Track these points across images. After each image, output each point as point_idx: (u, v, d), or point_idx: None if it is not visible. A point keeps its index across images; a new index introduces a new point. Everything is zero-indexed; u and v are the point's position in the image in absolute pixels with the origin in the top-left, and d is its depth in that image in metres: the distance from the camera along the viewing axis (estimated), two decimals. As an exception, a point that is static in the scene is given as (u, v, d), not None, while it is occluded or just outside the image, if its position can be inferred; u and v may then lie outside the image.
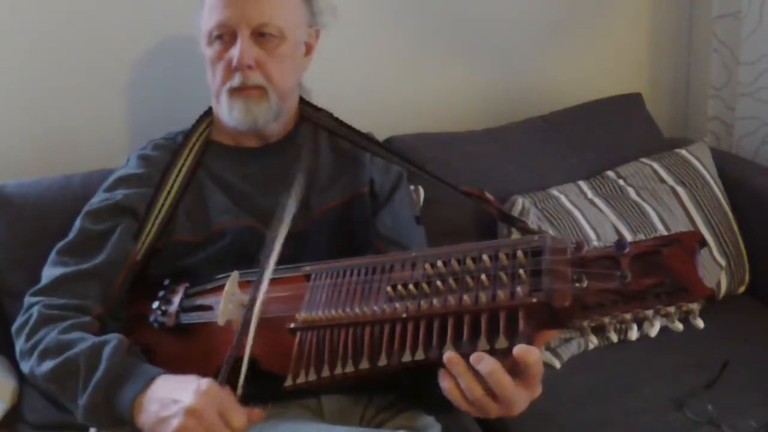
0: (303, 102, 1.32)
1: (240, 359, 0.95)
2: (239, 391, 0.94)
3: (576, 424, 1.33)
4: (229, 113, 1.21)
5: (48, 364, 1.01)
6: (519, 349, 0.80)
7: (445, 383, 0.84)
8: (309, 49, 1.28)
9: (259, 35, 1.18)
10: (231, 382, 0.94)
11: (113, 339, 1.00)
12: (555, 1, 1.92)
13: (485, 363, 0.81)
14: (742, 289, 1.72)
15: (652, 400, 1.36)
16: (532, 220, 1.55)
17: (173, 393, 0.92)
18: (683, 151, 1.78)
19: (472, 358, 0.81)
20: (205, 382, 0.91)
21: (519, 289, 0.83)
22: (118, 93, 1.57)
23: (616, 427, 1.31)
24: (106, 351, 0.98)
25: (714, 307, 1.58)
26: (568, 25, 1.96)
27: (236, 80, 1.18)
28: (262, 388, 0.98)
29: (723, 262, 1.67)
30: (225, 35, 1.18)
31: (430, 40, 1.82)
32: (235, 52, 1.17)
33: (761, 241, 1.70)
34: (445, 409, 0.91)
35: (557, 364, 1.48)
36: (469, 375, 0.82)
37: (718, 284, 1.67)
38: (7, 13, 1.46)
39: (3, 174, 1.45)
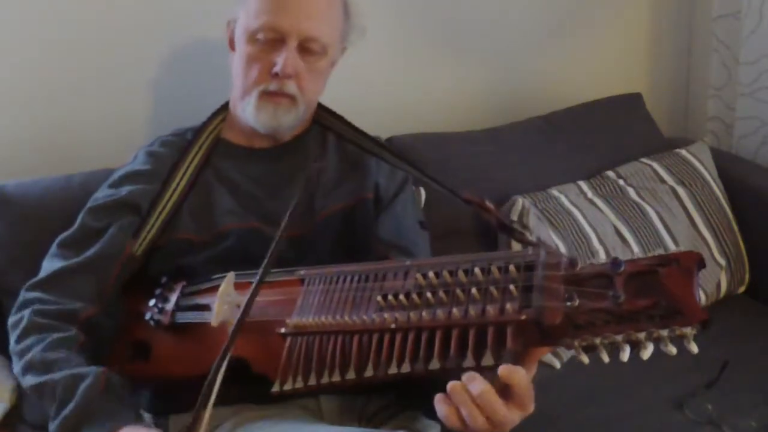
0: (319, 106, 1.32)
1: (234, 360, 0.95)
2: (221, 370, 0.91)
3: (576, 424, 1.33)
4: (255, 115, 1.21)
5: (30, 380, 1.02)
6: (503, 370, 0.78)
7: (442, 408, 0.81)
8: (333, 64, 1.29)
9: (304, 48, 1.19)
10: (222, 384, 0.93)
11: (90, 375, 0.99)
12: (555, 2, 1.93)
13: (477, 384, 0.79)
14: (742, 289, 1.72)
15: (652, 400, 1.36)
16: (532, 221, 1.55)
17: None
18: (683, 151, 1.78)
19: (465, 377, 0.80)
20: None
21: (509, 305, 0.81)
22: (119, 93, 1.57)
23: (616, 427, 1.31)
24: (81, 387, 0.97)
25: (714, 307, 1.61)
26: (568, 26, 1.97)
27: (273, 86, 1.19)
28: (254, 390, 0.98)
29: (723, 262, 1.67)
30: (271, 38, 1.18)
31: (430, 40, 1.82)
32: (280, 60, 1.17)
33: (761, 241, 1.70)
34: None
35: (557, 364, 1.48)
36: (472, 404, 0.79)
37: (718, 284, 1.67)
38: (9, 13, 1.46)
39: (3, 174, 1.45)
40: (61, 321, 1.07)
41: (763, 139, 1.90)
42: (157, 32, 1.56)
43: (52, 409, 0.98)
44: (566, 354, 1.49)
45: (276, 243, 0.98)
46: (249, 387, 1.00)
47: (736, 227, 1.72)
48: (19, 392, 1.31)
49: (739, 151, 1.94)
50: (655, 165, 1.75)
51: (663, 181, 1.72)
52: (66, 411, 0.96)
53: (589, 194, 1.68)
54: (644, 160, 1.77)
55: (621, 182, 1.71)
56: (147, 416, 1.17)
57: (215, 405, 1.07)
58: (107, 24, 1.53)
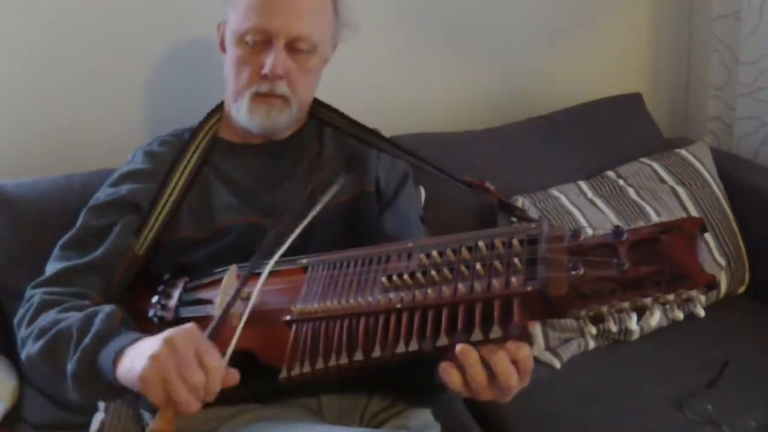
0: (315, 101, 1.32)
1: (240, 353, 0.95)
2: (226, 357, 0.91)
3: (576, 424, 1.33)
4: (248, 116, 1.21)
5: (42, 340, 1.01)
6: (511, 346, 0.80)
7: (450, 370, 0.83)
8: (325, 62, 1.29)
9: (293, 48, 1.19)
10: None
11: (107, 307, 1.00)
12: (555, 2, 1.92)
13: (497, 356, 0.81)
14: (742, 289, 1.72)
15: (652, 400, 1.36)
16: (532, 220, 1.55)
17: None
18: (683, 151, 1.78)
19: (484, 350, 0.81)
20: (188, 324, 0.89)
21: (514, 278, 0.82)
22: (119, 93, 1.57)
23: (616, 427, 1.31)
24: (99, 317, 0.98)
25: (714, 307, 1.61)
26: (569, 25, 1.97)
27: (264, 87, 1.19)
28: (262, 381, 0.98)
29: (723, 262, 1.67)
30: (259, 40, 1.18)
31: (430, 40, 1.82)
32: (268, 61, 1.17)
33: (761, 241, 1.70)
34: (431, 389, 0.91)
35: (557, 364, 1.48)
36: (479, 365, 0.82)
37: (718, 284, 1.67)
38: (9, 13, 1.46)
39: (3, 174, 1.45)
40: (73, 297, 1.07)
41: (763, 139, 1.90)
42: (157, 32, 1.57)
43: (69, 351, 0.97)
44: (566, 354, 1.49)
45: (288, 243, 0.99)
46: (256, 381, 1.00)
47: (736, 227, 1.72)
48: (20, 392, 1.31)
49: (739, 151, 1.94)
50: (655, 165, 1.75)
51: (663, 181, 1.72)
52: (86, 338, 0.95)
53: (589, 194, 1.68)
54: (644, 160, 1.77)
55: (621, 182, 1.71)
56: (147, 416, 1.17)
57: (214, 405, 1.08)
58: (107, 24, 1.53)
